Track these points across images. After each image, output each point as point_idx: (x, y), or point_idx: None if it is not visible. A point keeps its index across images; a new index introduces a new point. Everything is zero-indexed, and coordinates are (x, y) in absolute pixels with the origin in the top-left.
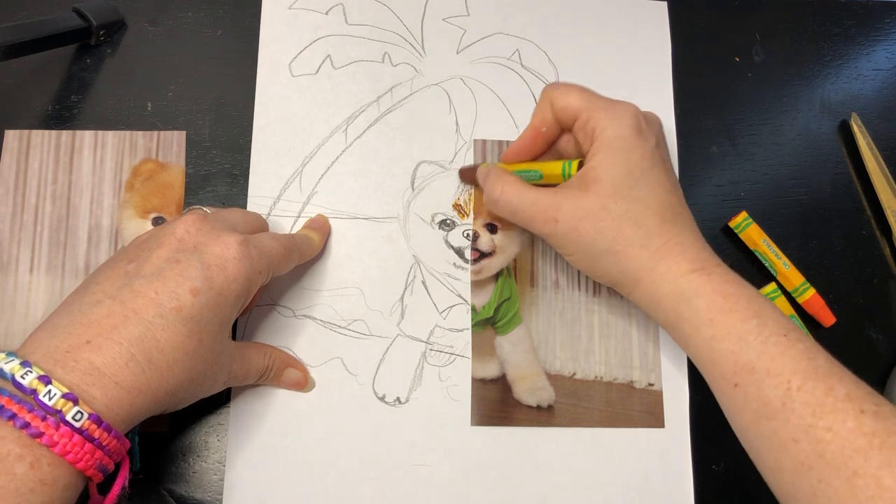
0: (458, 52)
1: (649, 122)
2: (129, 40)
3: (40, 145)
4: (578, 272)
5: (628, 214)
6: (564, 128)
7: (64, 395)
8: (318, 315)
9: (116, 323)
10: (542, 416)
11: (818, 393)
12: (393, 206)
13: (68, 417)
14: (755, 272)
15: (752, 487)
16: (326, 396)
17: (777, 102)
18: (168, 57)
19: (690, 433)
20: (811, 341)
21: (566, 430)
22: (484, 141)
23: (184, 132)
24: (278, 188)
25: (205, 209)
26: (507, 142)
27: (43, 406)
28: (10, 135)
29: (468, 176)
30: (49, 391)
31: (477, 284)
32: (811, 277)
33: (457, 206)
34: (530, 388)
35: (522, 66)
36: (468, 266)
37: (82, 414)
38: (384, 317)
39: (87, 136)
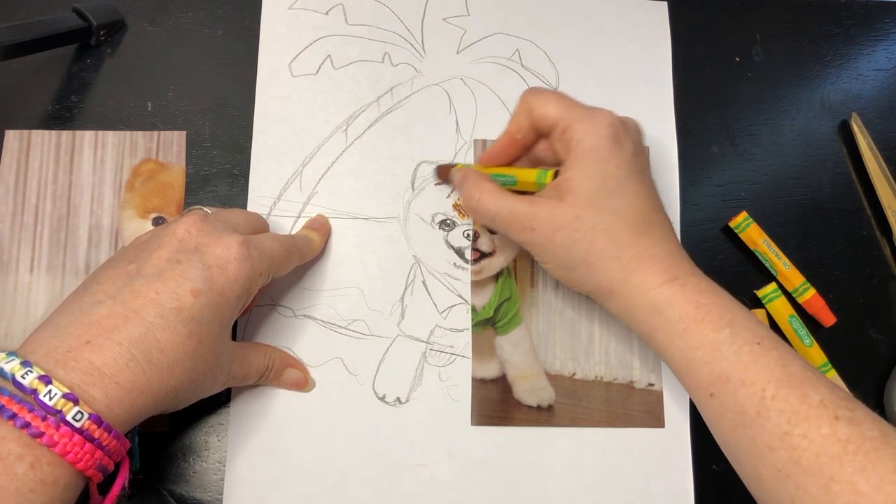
0: (458, 52)
1: (627, 130)
2: (129, 40)
3: (40, 145)
4: None
5: (602, 226)
6: (542, 135)
7: (64, 396)
8: (319, 315)
9: (117, 323)
10: (542, 416)
11: (792, 400)
12: (393, 206)
13: (69, 417)
14: (755, 272)
15: None
16: (326, 396)
17: (777, 102)
18: (168, 57)
19: (690, 433)
20: (785, 348)
21: (566, 430)
22: (484, 141)
23: (184, 132)
24: (278, 188)
25: (205, 209)
26: None
27: (43, 406)
28: (11, 135)
29: (443, 174)
30: (49, 391)
31: (477, 284)
32: (811, 277)
33: (457, 206)
34: (530, 388)
35: (522, 66)
36: (468, 266)
37: (83, 414)
38: (384, 317)
39: (88, 136)
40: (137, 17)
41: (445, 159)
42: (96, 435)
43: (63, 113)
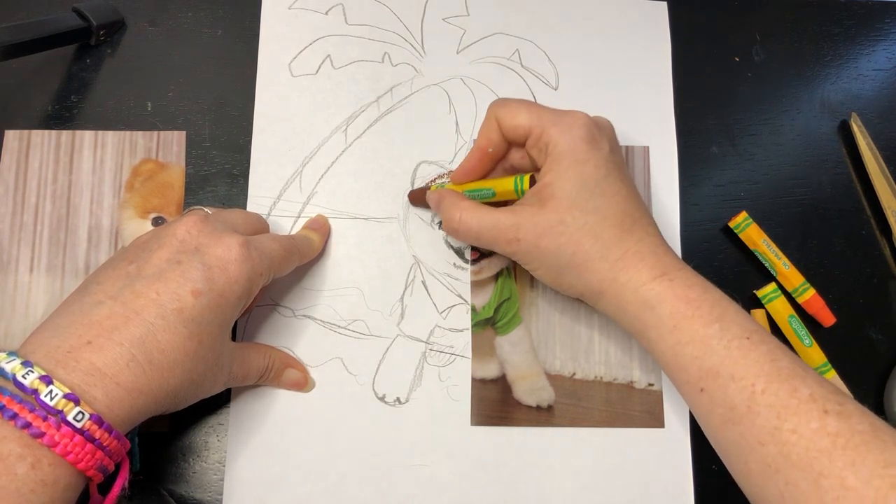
0: (458, 52)
1: (601, 129)
2: (129, 40)
3: (40, 145)
4: None
5: (586, 227)
6: (515, 145)
7: (65, 396)
8: (318, 315)
9: (118, 324)
10: (542, 416)
11: (782, 395)
12: (393, 206)
13: (69, 418)
14: (755, 272)
15: None
16: (326, 396)
17: (777, 102)
18: (168, 57)
19: (690, 433)
20: (775, 342)
21: (566, 430)
22: None
23: (184, 132)
24: (278, 188)
25: (205, 210)
26: None
27: (44, 406)
28: (10, 135)
29: (418, 198)
30: (50, 391)
31: (477, 284)
32: (811, 277)
33: None
34: (530, 388)
35: (522, 66)
36: (468, 266)
37: (83, 414)
38: (384, 317)
39: (87, 136)
40: (137, 17)
41: (445, 159)
42: (97, 435)
43: (63, 113)
